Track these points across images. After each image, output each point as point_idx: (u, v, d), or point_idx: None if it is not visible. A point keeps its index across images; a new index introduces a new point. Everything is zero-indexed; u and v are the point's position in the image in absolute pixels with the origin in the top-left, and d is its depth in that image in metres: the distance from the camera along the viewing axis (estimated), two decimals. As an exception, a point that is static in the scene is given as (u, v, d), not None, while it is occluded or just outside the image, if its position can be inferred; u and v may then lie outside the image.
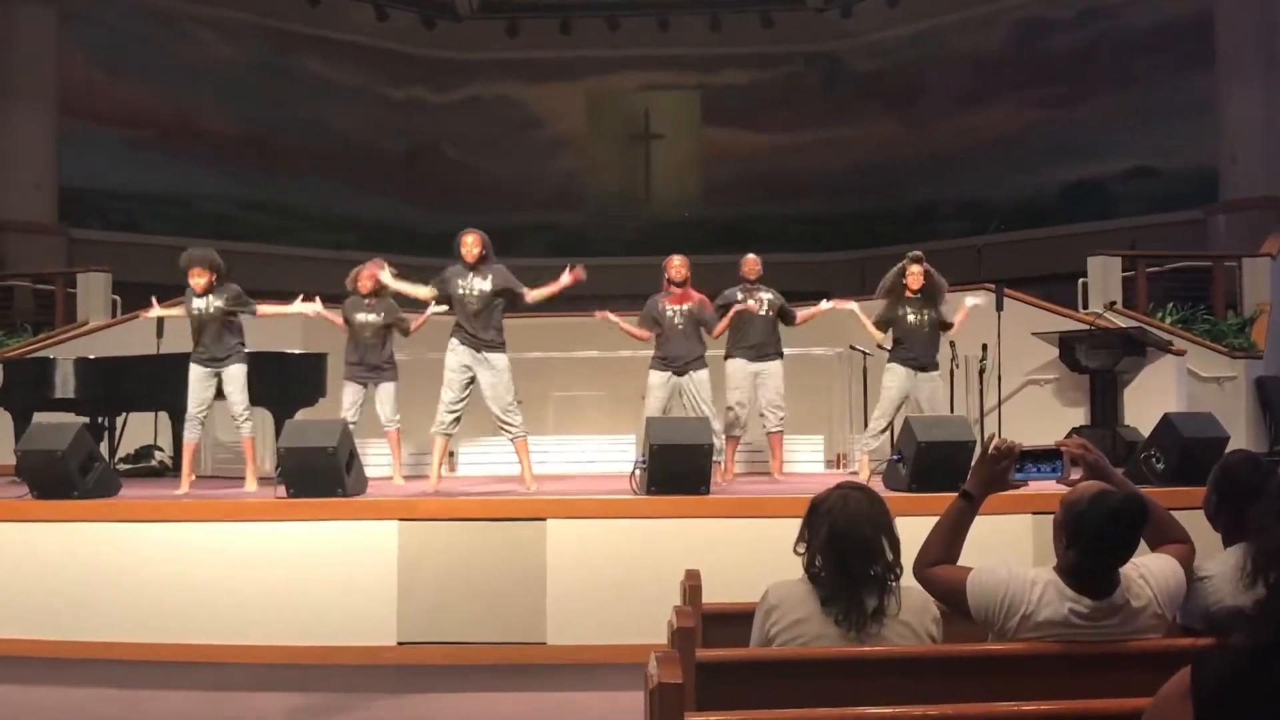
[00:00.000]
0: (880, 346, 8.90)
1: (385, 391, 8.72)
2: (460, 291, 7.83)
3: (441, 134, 19.78)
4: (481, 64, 19.79)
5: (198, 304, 8.01)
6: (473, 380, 7.81)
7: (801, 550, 3.05)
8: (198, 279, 7.98)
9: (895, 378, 8.41)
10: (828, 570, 2.97)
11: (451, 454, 10.58)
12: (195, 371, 8.03)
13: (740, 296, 8.84)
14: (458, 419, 7.90)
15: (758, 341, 8.88)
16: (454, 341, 7.83)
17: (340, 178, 18.67)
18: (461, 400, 7.84)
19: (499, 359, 7.83)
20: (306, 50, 18.75)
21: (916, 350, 8.41)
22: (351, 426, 8.52)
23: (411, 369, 9.38)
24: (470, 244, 7.86)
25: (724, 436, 8.71)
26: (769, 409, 8.92)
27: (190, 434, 8.12)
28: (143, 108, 17.17)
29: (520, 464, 8.00)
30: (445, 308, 8.03)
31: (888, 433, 8.65)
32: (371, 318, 8.74)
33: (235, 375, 8.03)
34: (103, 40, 16.82)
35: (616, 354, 11.68)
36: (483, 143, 19.64)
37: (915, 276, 8.42)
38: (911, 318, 8.41)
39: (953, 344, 10.06)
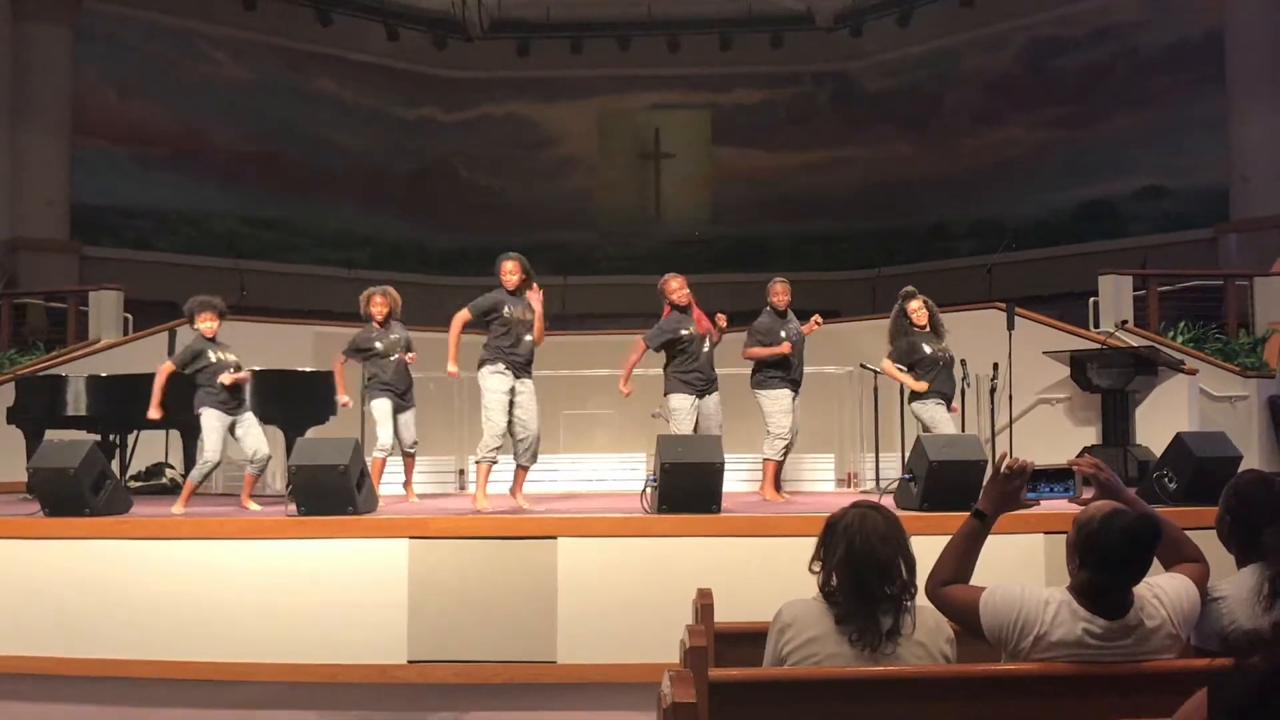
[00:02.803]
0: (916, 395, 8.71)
1: (410, 415, 8.75)
2: (512, 318, 7.81)
3: (452, 153, 19.87)
4: (492, 83, 19.89)
5: (213, 354, 8.02)
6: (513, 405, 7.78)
7: (817, 569, 3.05)
8: (209, 323, 8.04)
9: (942, 413, 8.24)
10: (844, 589, 2.97)
11: (461, 471, 10.61)
12: (213, 417, 7.94)
13: (783, 336, 8.62)
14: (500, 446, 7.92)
15: (798, 370, 8.79)
16: (500, 366, 7.69)
17: (351, 196, 18.75)
18: (507, 425, 7.75)
19: (532, 383, 7.89)
20: (318, 70, 18.86)
21: (945, 386, 8.32)
22: (390, 447, 8.53)
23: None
24: (510, 270, 7.93)
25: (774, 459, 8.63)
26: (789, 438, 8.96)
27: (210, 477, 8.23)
28: (155, 126, 17.28)
29: (514, 483, 8.01)
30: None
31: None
32: (394, 336, 8.75)
33: (252, 421, 8.09)
34: (116, 59, 16.94)
35: (627, 372, 11.68)
36: (493, 162, 19.73)
37: (919, 313, 8.35)
38: (929, 349, 8.30)
39: (963, 362, 10.05)
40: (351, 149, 18.97)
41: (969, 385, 10.21)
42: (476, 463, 7.76)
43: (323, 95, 18.88)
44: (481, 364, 7.77)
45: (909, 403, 8.49)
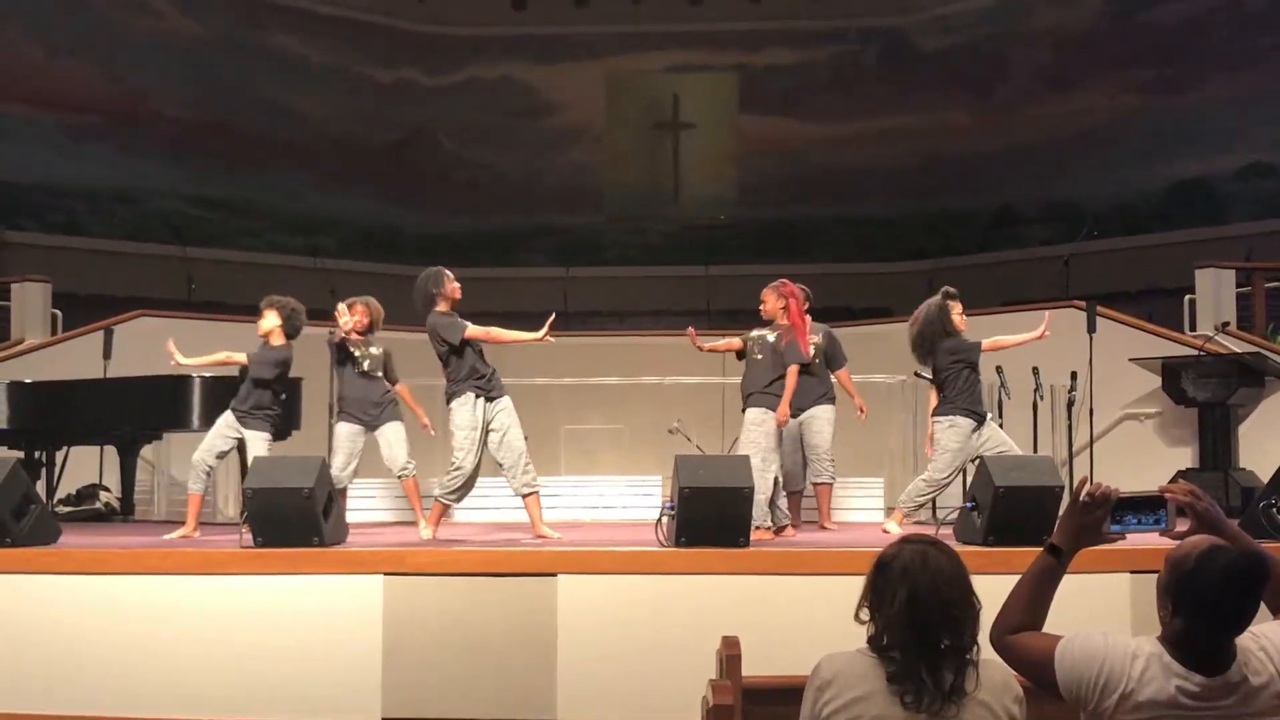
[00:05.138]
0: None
1: (393, 433, 8.64)
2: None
3: (435, 122, 19.88)
4: (483, 41, 19.90)
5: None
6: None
7: (866, 617, 3.04)
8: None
9: (959, 435, 8.21)
10: (901, 641, 2.95)
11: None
12: (225, 417, 8.41)
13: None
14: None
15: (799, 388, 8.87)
16: (468, 396, 7.98)
17: (317, 173, 18.77)
18: (478, 465, 8.06)
19: (507, 400, 8.09)
20: (278, 24, 18.88)
21: (979, 398, 8.34)
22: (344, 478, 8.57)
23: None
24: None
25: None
26: (816, 459, 9.00)
27: (194, 485, 8.38)
28: (88, 91, 17.31)
29: (531, 519, 8.07)
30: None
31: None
32: (373, 350, 8.73)
33: (256, 443, 8.31)
34: (40, 12, 16.98)
35: (638, 380, 11.69)
36: (483, 132, 19.72)
37: (961, 315, 8.37)
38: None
39: (1036, 371, 10.05)
40: (317, 117, 18.98)
41: (1042, 398, 10.20)
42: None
43: (284, 54, 18.90)
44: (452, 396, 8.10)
45: (933, 414, 8.46)
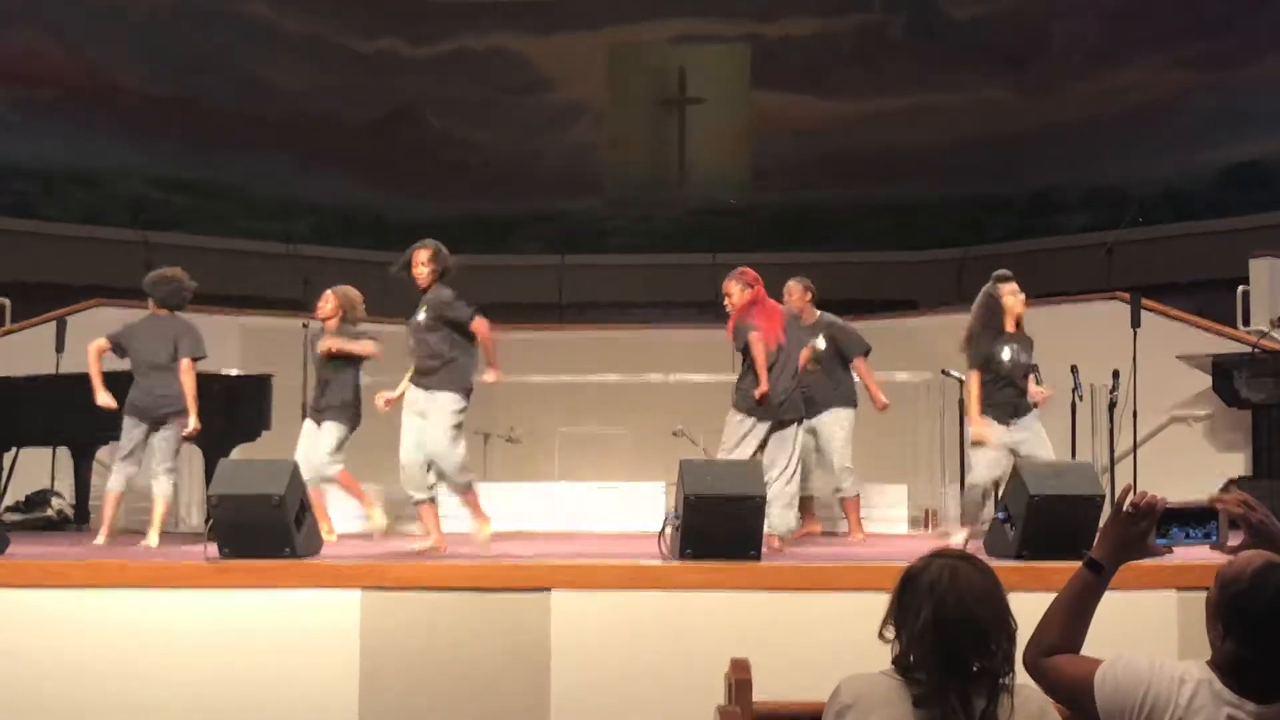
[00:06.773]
0: None
1: (326, 431, 8.81)
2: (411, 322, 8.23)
3: (420, 97, 19.88)
4: (473, 9, 19.90)
5: None
6: None
7: (891, 636, 3.04)
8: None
9: (989, 434, 8.27)
10: (928, 662, 2.96)
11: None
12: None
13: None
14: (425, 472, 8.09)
15: (808, 385, 8.87)
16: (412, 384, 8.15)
17: (291, 152, 18.76)
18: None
19: (444, 397, 8.00)
20: (249, -11, 18.90)
21: (1014, 396, 8.35)
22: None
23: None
24: (422, 260, 8.22)
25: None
26: (833, 471, 9.04)
27: (113, 483, 8.46)
28: (42, 62, 17.31)
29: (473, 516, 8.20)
30: None
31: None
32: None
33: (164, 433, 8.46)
34: (-9, -24, 17.00)
35: (642, 378, 11.69)
36: (473, 109, 19.72)
37: (1017, 299, 8.35)
38: (1007, 355, 8.30)
39: (1075, 369, 10.03)
40: (291, 92, 18.97)
41: (1081, 398, 10.18)
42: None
43: (255, 22, 18.88)
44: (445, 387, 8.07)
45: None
